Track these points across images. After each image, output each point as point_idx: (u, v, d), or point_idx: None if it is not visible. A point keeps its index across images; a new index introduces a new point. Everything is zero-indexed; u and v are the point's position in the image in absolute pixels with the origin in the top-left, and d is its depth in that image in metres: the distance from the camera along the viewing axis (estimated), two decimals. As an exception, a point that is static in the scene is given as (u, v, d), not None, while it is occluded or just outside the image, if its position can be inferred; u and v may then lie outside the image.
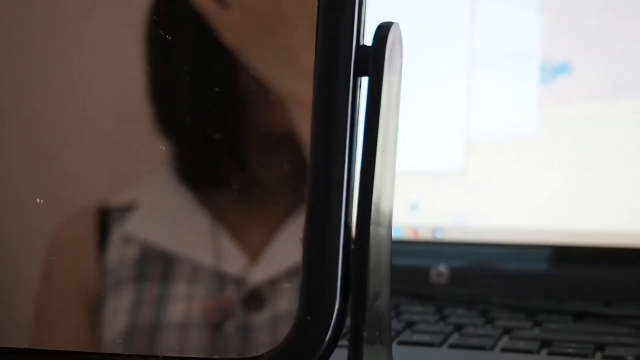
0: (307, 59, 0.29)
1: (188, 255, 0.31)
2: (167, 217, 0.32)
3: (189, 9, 0.31)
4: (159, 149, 0.31)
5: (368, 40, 0.29)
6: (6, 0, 0.32)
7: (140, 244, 0.31)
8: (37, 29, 0.32)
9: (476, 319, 0.54)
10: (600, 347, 0.46)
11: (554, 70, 0.65)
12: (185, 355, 0.30)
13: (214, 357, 0.30)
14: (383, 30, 0.29)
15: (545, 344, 0.47)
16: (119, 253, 0.31)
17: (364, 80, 0.29)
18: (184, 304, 0.31)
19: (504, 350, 0.46)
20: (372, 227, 0.28)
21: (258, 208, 0.31)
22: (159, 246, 0.31)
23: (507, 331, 0.51)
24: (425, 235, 0.67)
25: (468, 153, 0.67)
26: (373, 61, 0.29)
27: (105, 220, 0.32)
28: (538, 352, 0.46)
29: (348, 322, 0.29)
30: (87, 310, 0.31)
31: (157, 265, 0.31)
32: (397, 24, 0.30)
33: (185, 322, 0.31)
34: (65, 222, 0.32)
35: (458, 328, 0.52)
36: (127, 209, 0.32)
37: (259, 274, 0.31)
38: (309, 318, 0.28)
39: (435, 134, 0.68)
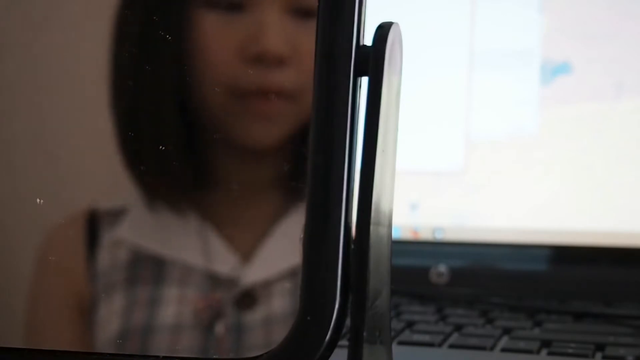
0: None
1: (183, 256, 0.31)
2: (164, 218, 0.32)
3: (188, 9, 0.31)
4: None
5: (368, 40, 0.29)
6: (6, 0, 0.32)
7: (141, 245, 0.31)
8: (38, 29, 0.32)
9: (476, 319, 0.54)
10: (600, 347, 0.46)
11: (554, 70, 0.65)
12: (185, 355, 0.30)
13: (214, 357, 0.30)
14: (383, 30, 0.29)
15: (545, 344, 0.47)
16: (117, 254, 0.31)
17: (364, 80, 0.29)
18: (180, 305, 0.31)
19: (504, 350, 0.46)
20: (372, 227, 0.28)
21: (258, 208, 0.31)
22: (157, 248, 0.31)
23: (507, 331, 0.51)
24: (425, 235, 0.67)
25: (468, 153, 0.67)
26: (373, 61, 0.29)
27: (105, 220, 0.32)
28: (538, 352, 0.46)
29: (348, 322, 0.29)
30: (84, 311, 0.31)
31: (154, 267, 0.31)
32: (397, 23, 0.30)
33: (184, 323, 0.31)
34: (63, 223, 0.32)
35: (458, 328, 0.52)
36: (125, 210, 0.32)
37: (259, 274, 0.31)
38: (309, 318, 0.28)
39: (435, 133, 0.68)
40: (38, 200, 0.31)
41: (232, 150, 0.31)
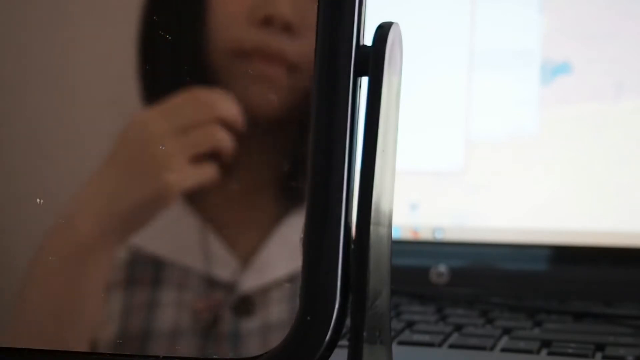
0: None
1: (182, 258, 0.31)
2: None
3: (186, 8, 0.32)
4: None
5: (368, 40, 0.29)
6: (6, 0, 0.32)
7: (140, 245, 0.31)
8: (37, 29, 0.32)
9: (476, 319, 0.54)
10: (600, 347, 0.46)
11: (554, 70, 0.65)
12: (185, 355, 0.30)
13: (214, 357, 0.30)
14: (383, 30, 0.29)
15: (545, 344, 0.47)
16: (118, 254, 0.31)
17: (364, 80, 0.29)
18: (179, 308, 0.31)
19: (504, 350, 0.46)
20: (372, 227, 0.28)
21: (258, 208, 0.31)
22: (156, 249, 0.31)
23: (507, 331, 0.51)
24: (425, 235, 0.67)
25: (468, 153, 0.67)
26: (373, 61, 0.29)
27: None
28: (538, 352, 0.46)
29: (348, 322, 0.29)
30: (84, 311, 0.31)
31: (152, 268, 0.31)
32: (397, 23, 0.30)
33: (184, 322, 0.31)
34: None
35: (458, 328, 0.52)
36: None
37: (259, 278, 0.31)
38: (309, 318, 0.28)
39: (435, 134, 0.68)
40: (38, 200, 0.31)
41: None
